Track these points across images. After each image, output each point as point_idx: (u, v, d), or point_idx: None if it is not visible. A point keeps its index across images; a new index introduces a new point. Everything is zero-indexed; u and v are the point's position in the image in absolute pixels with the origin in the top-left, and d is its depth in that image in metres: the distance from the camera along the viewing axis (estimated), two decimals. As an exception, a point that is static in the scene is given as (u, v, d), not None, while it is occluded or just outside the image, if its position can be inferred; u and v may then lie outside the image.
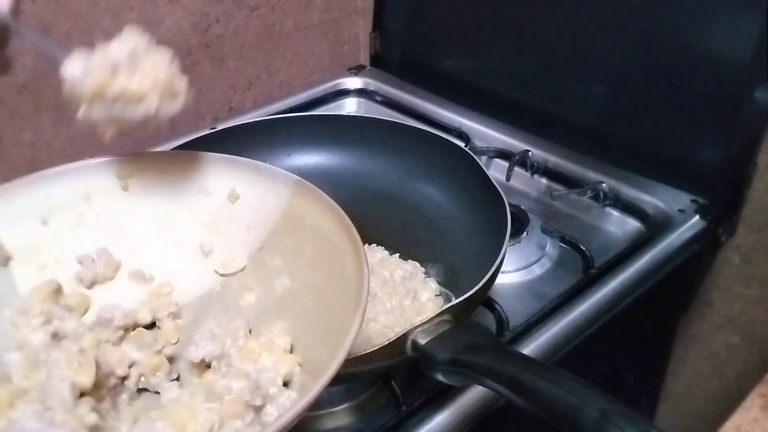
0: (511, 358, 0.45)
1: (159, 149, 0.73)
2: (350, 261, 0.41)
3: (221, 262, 0.48)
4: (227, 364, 0.42)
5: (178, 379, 0.45)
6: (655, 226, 0.72)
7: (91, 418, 0.37)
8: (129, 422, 0.41)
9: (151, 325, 0.47)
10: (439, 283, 0.62)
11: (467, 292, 0.51)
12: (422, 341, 0.48)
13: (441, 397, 0.54)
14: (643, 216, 0.73)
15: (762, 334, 0.81)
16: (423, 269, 0.63)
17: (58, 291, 0.45)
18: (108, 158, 0.49)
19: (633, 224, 0.74)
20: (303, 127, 0.76)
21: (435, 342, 0.48)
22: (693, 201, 0.74)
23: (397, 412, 0.53)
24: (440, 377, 0.48)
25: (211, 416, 0.39)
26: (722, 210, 0.74)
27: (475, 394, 0.54)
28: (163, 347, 0.45)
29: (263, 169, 0.48)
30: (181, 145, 0.72)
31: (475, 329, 0.50)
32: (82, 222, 0.48)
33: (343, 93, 0.97)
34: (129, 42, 0.43)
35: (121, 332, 0.45)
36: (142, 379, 0.44)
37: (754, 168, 0.73)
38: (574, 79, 0.82)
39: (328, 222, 0.44)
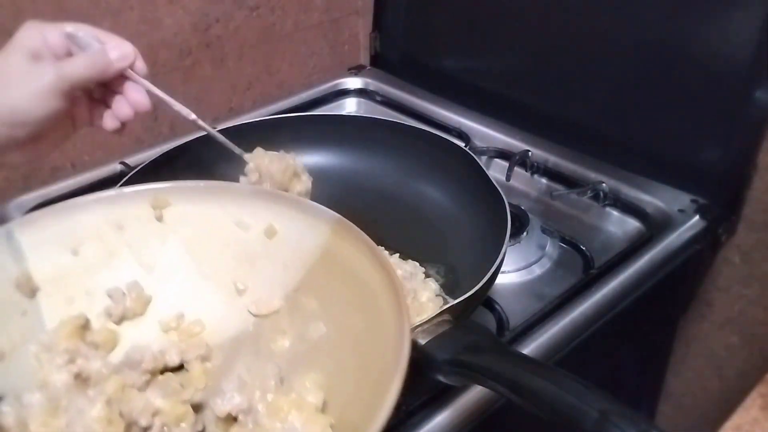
0: (511, 358, 0.45)
1: (159, 149, 0.73)
2: (390, 311, 0.38)
3: (255, 301, 0.46)
4: (254, 421, 0.39)
5: (203, 430, 0.42)
6: (655, 226, 0.72)
7: None
8: None
9: (179, 367, 0.45)
10: (439, 283, 0.62)
11: (467, 292, 0.51)
12: (422, 341, 0.48)
13: (441, 397, 0.54)
14: (643, 216, 0.73)
15: (762, 334, 0.81)
16: (423, 269, 0.63)
17: (85, 326, 0.43)
18: (143, 187, 0.47)
19: (633, 224, 0.74)
20: (303, 127, 0.76)
21: (435, 342, 0.48)
22: (693, 201, 0.74)
23: (397, 412, 0.53)
24: (440, 377, 0.48)
25: None
26: (722, 210, 0.74)
27: (475, 394, 0.54)
28: (190, 396, 0.43)
29: (303, 204, 0.47)
30: (181, 145, 0.72)
31: (475, 329, 0.50)
32: (113, 253, 0.47)
33: (343, 93, 0.97)
34: None
35: (148, 376, 0.43)
36: (165, 429, 0.41)
37: (754, 168, 0.73)
38: (574, 79, 0.82)
39: (369, 267, 0.41)
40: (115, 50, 0.50)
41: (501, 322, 0.60)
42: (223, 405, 0.40)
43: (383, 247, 0.65)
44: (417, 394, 0.54)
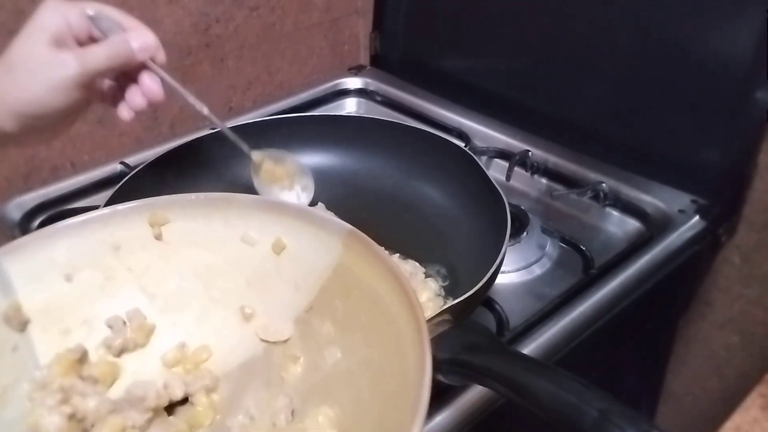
0: (511, 358, 0.45)
1: (159, 149, 0.73)
2: (411, 339, 0.34)
3: (264, 325, 0.43)
4: None
5: None
6: (655, 226, 0.72)
7: None
8: None
9: (184, 400, 0.41)
10: (439, 284, 0.62)
11: (467, 292, 0.51)
12: (422, 341, 0.48)
13: (441, 397, 0.54)
14: (643, 216, 0.73)
15: (762, 334, 0.81)
16: (423, 269, 0.63)
17: (82, 360, 0.40)
18: (138, 203, 0.43)
19: (633, 224, 0.74)
20: (303, 127, 0.76)
21: (435, 342, 0.48)
22: (693, 201, 0.74)
23: (397, 412, 0.53)
24: (440, 377, 0.48)
25: None
26: (722, 210, 0.74)
27: (475, 394, 0.54)
28: None
29: (312, 215, 0.42)
30: (181, 145, 0.72)
31: (475, 329, 0.50)
32: (111, 277, 0.43)
33: (343, 93, 0.97)
34: None
35: (151, 413, 0.40)
36: None
37: (754, 168, 0.73)
38: (574, 79, 0.82)
39: (386, 287, 0.37)
40: (138, 40, 0.49)
41: (501, 322, 0.60)
42: None
43: (383, 247, 0.65)
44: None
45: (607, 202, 0.75)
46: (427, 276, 0.62)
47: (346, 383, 0.38)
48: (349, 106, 0.97)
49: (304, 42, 0.97)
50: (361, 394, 0.37)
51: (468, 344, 0.47)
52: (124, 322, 0.42)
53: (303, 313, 0.42)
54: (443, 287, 0.61)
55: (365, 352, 0.38)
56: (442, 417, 0.53)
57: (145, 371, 0.41)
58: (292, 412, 0.39)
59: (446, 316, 0.50)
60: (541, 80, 0.86)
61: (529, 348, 0.58)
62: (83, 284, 0.42)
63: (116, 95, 0.52)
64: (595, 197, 0.75)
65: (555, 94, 0.84)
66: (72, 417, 0.37)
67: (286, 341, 0.42)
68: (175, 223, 0.43)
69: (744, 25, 0.68)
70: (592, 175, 0.77)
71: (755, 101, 0.69)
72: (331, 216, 0.43)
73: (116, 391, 0.40)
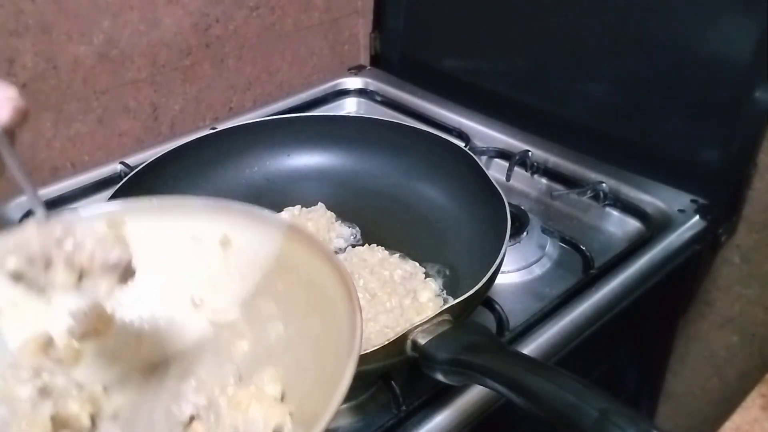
0: (511, 358, 0.45)
1: (159, 149, 0.73)
2: (343, 308, 0.40)
3: (213, 310, 0.48)
4: (216, 414, 0.41)
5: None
6: (655, 226, 0.71)
7: None
8: None
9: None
10: (439, 284, 0.62)
11: (467, 292, 0.51)
12: (422, 341, 0.48)
13: (441, 397, 0.54)
14: (643, 216, 0.73)
15: (762, 334, 0.81)
16: (423, 269, 0.63)
17: (48, 344, 0.44)
18: (97, 210, 0.48)
19: (633, 224, 0.74)
20: (303, 127, 0.77)
21: (435, 342, 0.48)
22: (693, 201, 0.74)
23: (397, 412, 0.53)
24: (440, 377, 0.48)
25: None
26: (722, 210, 0.74)
27: (475, 394, 0.54)
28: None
29: (255, 213, 0.47)
30: (181, 145, 0.72)
31: (475, 329, 0.50)
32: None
33: (343, 93, 0.97)
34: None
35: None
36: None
37: (754, 168, 0.73)
38: (574, 79, 0.82)
39: (322, 268, 0.43)
40: None
41: (501, 322, 0.60)
42: (185, 408, 0.41)
43: (383, 247, 0.65)
44: (417, 394, 0.54)
45: (607, 202, 0.75)
46: (427, 276, 0.62)
47: (288, 349, 0.43)
48: (349, 106, 0.97)
49: (304, 42, 0.97)
50: (302, 356, 0.42)
51: (468, 344, 0.47)
52: (86, 313, 0.46)
53: (248, 297, 0.47)
54: (443, 287, 0.61)
55: (305, 323, 0.43)
56: (442, 417, 0.53)
57: (106, 354, 0.46)
58: (240, 377, 0.43)
59: (446, 316, 0.50)
60: (541, 80, 0.86)
61: (529, 348, 0.58)
62: None
63: None
64: (595, 197, 0.75)
65: (555, 94, 0.84)
66: (42, 390, 0.40)
67: (233, 322, 0.47)
68: (130, 224, 0.47)
69: (744, 25, 0.68)
70: (592, 175, 0.77)
71: (755, 101, 0.69)
72: (271, 213, 0.47)
73: (79, 373, 0.44)
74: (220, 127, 0.77)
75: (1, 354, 0.43)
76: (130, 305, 0.47)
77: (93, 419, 0.42)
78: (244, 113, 0.91)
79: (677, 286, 0.76)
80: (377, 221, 0.71)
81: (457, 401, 0.54)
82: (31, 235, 0.38)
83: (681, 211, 0.73)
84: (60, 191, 0.75)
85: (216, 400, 0.41)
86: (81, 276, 0.39)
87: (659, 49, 0.74)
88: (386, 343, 0.48)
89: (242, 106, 0.93)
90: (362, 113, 0.95)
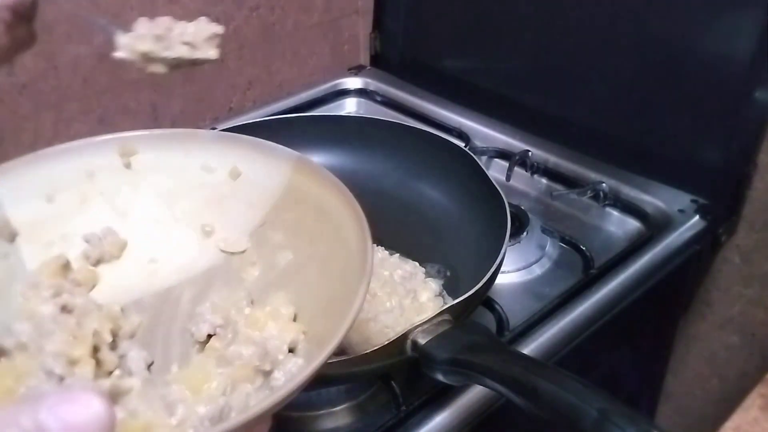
0: (511, 358, 0.45)
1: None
2: (353, 234, 0.41)
3: (224, 239, 0.49)
4: (234, 331, 0.42)
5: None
6: (655, 226, 0.72)
7: (105, 384, 0.37)
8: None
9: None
10: (439, 284, 0.62)
11: (467, 292, 0.51)
12: (422, 341, 0.48)
13: (441, 397, 0.54)
14: (643, 216, 0.73)
15: (762, 334, 0.81)
16: (423, 269, 0.63)
17: (66, 266, 0.45)
18: (110, 136, 0.49)
19: (633, 224, 0.74)
20: (303, 127, 0.76)
21: (435, 342, 0.48)
22: (693, 201, 0.74)
23: (397, 412, 0.53)
24: (440, 377, 0.48)
25: (224, 380, 0.39)
26: (722, 210, 0.74)
27: (475, 394, 0.54)
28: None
29: (264, 145, 0.49)
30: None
31: (475, 329, 0.50)
32: (86, 200, 0.48)
33: (343, 93, 0.97)
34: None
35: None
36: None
37: (754, 168, 0.73)
38: (574, 79, 0.82)
39: (330, 196, 0.44)
40: None
41: (501, 322, 0.60)
42: (203, 327, 0.42)
43: (383, 247, 0.65)
44: (417, 394, 0.54)
45: (607, 202, 0.75)
46: (427, 276, 0.62)
47: (298, 275, 0.45)
48: (349, 106, 0.97)
49: (304, 42, 0.97)
50: (313, 280, 0.43)
51: (468, 344, 0.47)
52: (100, 238, 0.47)
53: (258, 227, 0.48)
54: (443, 287, 0.61)
55: (314, 249, 0.44)
56: (442, 417, 0.53)
57: (121, 279, 0.47)
58: (252, 301, 0.44)
59: (446, 316, 0.50)
60: (541, 80, 0.86)
61: (529, 348, 0.58)
62: (62, 205, 0.47)
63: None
64: (595, 197, 0.75)
65: (555, 94, 0.84)
66: (64, 308, 0.41)
67: (243, 251, 0.48)
68: (143, 154, 0.49)
69: (744, 25, 0.68)
70: (592, 175, 0.77)
71: (755, 101, 0.69)
72: (280, 146, 0.48)
73: (97, 296, 0.46)
74: (220, 127, 0.77)
75: (21, 274, 0.44)
76: (142, 231, 0.49)
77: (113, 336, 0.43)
78: (244, 113, 0.91)
79: (677, 286, 0.76)
80: (377, 221, 0.70)
81: (457, 401, 0.54)
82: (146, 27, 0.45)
83: (681, 211, 0.73)
84: (60, 191, 0.75)
85: (233, 319, 0.42)
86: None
87: (659, 49, 0.74)
88: (386, 343, 0.48)
89: (242, 107, 0.93)
90: (362, 113, 0.95)
